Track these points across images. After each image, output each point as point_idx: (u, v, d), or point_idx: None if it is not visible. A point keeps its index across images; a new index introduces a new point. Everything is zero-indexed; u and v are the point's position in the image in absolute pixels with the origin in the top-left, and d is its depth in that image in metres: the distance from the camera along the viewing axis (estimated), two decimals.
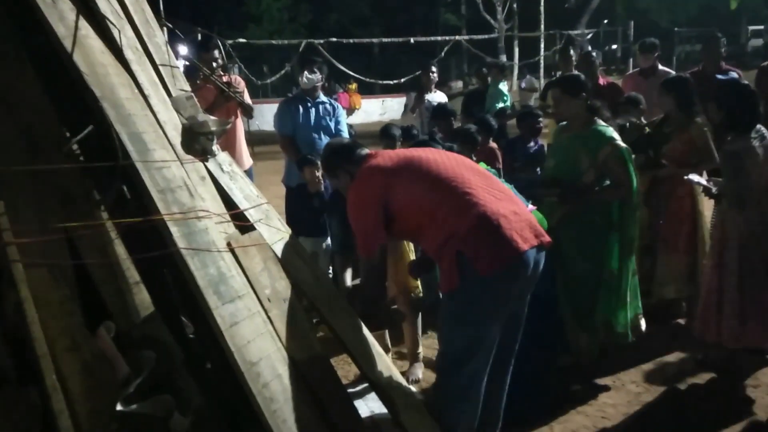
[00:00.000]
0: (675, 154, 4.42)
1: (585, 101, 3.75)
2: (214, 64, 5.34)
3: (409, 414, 2.78)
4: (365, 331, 2.89)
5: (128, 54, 2.44)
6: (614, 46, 29.38)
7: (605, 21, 30.70)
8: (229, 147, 5.36)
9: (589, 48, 23.15)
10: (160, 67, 2.59)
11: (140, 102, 2.37)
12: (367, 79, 17.62)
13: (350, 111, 23.19)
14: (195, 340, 2.62)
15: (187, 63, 6.26)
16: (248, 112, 5.48)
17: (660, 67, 6.44)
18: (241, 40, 15.68)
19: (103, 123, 2.23)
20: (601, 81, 6.27)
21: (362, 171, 2.90)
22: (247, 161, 5.66)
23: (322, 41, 15.53)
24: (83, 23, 2.35)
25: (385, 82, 18.01)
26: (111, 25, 2.40)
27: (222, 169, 2.66)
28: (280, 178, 5.40)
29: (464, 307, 2.71)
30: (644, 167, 4.35)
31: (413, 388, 3.75)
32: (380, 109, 22.38)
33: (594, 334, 3.79)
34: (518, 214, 2.74)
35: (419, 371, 4.04)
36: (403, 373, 4.04)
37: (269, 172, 8.35)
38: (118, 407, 2.02)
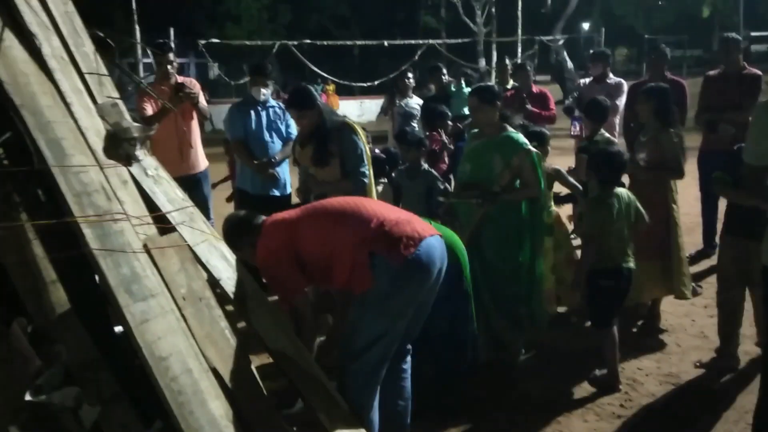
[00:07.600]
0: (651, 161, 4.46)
1: (498, 109, 4.01)
2: (169, 67, 5.47)
3: (332, 414, 2.85)
4: (289, 330, 3.02)
5: (52, 63, 2.57)
6: (591, 52, 29.67)
7: (585, 27, 31.06)
8: (185, 149, 5.50)
9: (565, 53, 23.58)
10: (87, 76, 2.71)
11: (61, 109, 2.50)
12: (342, 81, 17.74)
13: None
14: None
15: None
16: (203, 115, 5.60)
17: (611, 75, 6.93)
18: (214, 40, 15.71)
19: (24, 130, 2.36)
20: (534, 89, 6.94)
21: (266, 228, 3.11)
22: (203, 163, 5.76)
23: (296, 43, 15.61)
24: (8, 34, 2.48)
25: (359, 84, 18.13)
26: (34, 37, 2.52)
27: (146, 174, 2.78)
28: None
29: (380, 302, 2.89)
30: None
31: None
32: (358, 111, 22.46)
33: (520, 327, 4.03)
34: (412, 221, 3.00)
35: None
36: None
37: None
38: (27, 397, 2.15)
